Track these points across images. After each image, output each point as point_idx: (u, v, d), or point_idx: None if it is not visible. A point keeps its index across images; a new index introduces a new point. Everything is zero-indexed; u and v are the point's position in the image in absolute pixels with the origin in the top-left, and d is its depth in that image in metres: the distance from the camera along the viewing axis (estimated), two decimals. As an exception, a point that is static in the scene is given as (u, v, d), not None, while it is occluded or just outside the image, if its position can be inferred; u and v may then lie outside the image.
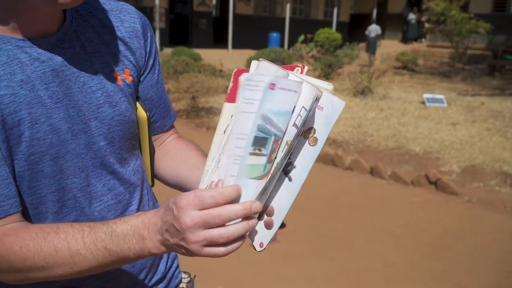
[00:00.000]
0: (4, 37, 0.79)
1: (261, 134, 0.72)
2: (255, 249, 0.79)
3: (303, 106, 0.74)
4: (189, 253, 0.72)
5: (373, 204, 4.68)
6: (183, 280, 1.17)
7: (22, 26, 0.80)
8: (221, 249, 0.70)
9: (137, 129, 1.01)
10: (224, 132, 0.84)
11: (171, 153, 1.10)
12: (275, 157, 0.74)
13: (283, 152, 0.75)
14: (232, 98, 0.86)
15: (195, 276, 1.21)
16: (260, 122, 0.72)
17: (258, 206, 0.71)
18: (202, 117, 7.67)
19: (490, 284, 3.27)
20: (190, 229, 0.69)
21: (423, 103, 8.90)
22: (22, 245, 0.75)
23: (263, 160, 0.72)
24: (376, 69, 12.57)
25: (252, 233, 0.79)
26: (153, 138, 1.08)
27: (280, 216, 0.78)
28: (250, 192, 0.72)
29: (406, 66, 14.90)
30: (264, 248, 0.78)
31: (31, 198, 0.84)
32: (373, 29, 15.63)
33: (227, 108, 0.87)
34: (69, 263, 0.75)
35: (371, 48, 15.45)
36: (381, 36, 17.34)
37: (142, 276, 1.02)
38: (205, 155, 1.08)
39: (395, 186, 5.21)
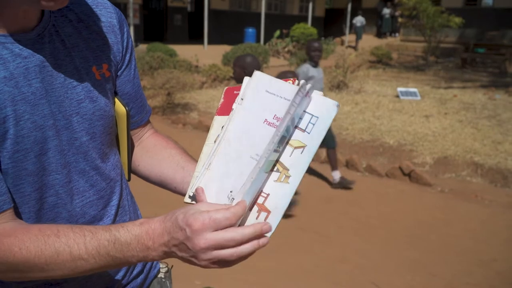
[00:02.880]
0: None
1: (286, 134, 0.80)
2: None
3: (313, 115, 0.82)
4: (196, 265, 0.76)
5: (348, 196, 4.74)
6: (161, 270, 1.18)
7: (3, 21, 0.79)
8: (229, 264, 0.76)
9: (116, 124, 1.01)
10: (215, 142, 0.89)
11: (152, 150, 1.11)
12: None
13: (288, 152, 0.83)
14: (223, 112, 0.92)
15: (172, 266, 1.22)
16: (290, 123, 0.80)
17: (268, 228, 0.78)
18: (178, 113, 7.63)
19: (462, 271, 3.36)
20: (203, 250, 0.73)
21: (397, 96, 9.04)
22: (22, 247, 0.75)
23: (276, 156, 0.81)
24: (351, 63, 12.69)
25: None
26: (131, 133, 1.09)
27: (278, 215, 0.82)
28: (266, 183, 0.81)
29: (381, 60, 15.11)
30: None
31: (15, 196, 0.83)
32: (359, 20, 19.39)
33: (218, 121, 0.92)
34: (70, 266, 0.76)
35: (358, 34, 19.29)
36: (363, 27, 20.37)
37: (124, 270, 1.03)
38: (185, 152, 1.10)
39: (370, 178, 5.29)
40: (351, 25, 20.59)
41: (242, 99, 0.87)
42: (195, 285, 3.03)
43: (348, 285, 3.14)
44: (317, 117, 0.82)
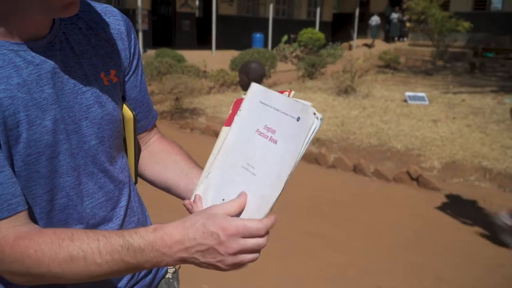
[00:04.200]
0: None
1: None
2: None
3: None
4: (217, 269, 0.81)
5: (356, 201, 4.74)
6: (168, 270, 1.21)
7: (15, 30, 0.82)
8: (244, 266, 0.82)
9: (123, 128, 1.04)
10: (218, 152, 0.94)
11: (158, 156, 1.14)
12: None
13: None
14: (229, 123, 0.95)
15: (179, 267, 1.24)
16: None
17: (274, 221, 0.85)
18: (186, 118, 7.67)
19: (470, 277, 3.34)
20: (235, 253, 0.77)
21: (405, 101, 9.01)
22: (37, 249, 0.77)
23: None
24: (359, 68, 12.69)
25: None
26: (138, 137, 1.12)
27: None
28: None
29: (389, 65, 15.07)
30: None
31: (27, 197, 0.85)
32: (374, 19, 21.37)
33: (224, 132, 0.96)
34: (84, 270, 0.78)
35: (373, 33, 21.26)
36: (365, 33, 21.73)
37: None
38: (190, 158, 1.14)
39: (378, 182, 5.28)
40: (358, 28, 20.70)
41: (240, 110, 0.92)
42: (202, 288, 3.04)
43: (355, 290, 3.14)
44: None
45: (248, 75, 3.64)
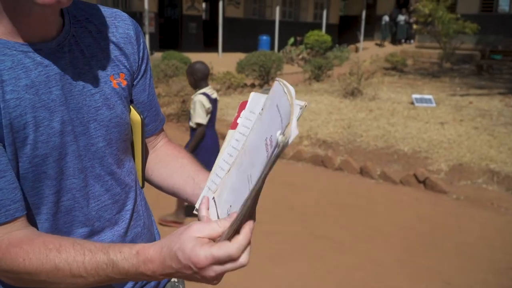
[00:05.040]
0: (8, 42, 0.82)
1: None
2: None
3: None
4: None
5: (362, 203, 4.73)
6: None
7: (22, 31, 0.83)
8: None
9: (131, 131, 1.05)
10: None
11: (164, 160, 1.14)
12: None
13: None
14: (234, 126, 0.92)
15: None
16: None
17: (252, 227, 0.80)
18: (193, 120, 7.69)
19: (478, 280, 3.32)
20: (213, 278, 0.76)
21: (412, 103, 8.97)
22: (25, 258, 0.79)
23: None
24: (366, 70, 12.66)
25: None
26: (146, 141, 1.12)
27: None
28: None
29: (396, 67, 15.00)
30: None
31: (33, 198, 0.87)
32: (384, 19, 20.81)
33: (229, 135, 0.93)
34: (71, 281, 0.80)
35: (383, 33, 20.89)
36: (371, 36, 21.94)
37: None
38: (196, 161, 1.14)
39: (385, 185, 5.26)
40: (365, 30, 20.70)
41: (262, 109, 0.85)
42: (208, 291, 3.04)
43: (362, 293, 3.13)
44: None
45: (193, 76, 3.84)
